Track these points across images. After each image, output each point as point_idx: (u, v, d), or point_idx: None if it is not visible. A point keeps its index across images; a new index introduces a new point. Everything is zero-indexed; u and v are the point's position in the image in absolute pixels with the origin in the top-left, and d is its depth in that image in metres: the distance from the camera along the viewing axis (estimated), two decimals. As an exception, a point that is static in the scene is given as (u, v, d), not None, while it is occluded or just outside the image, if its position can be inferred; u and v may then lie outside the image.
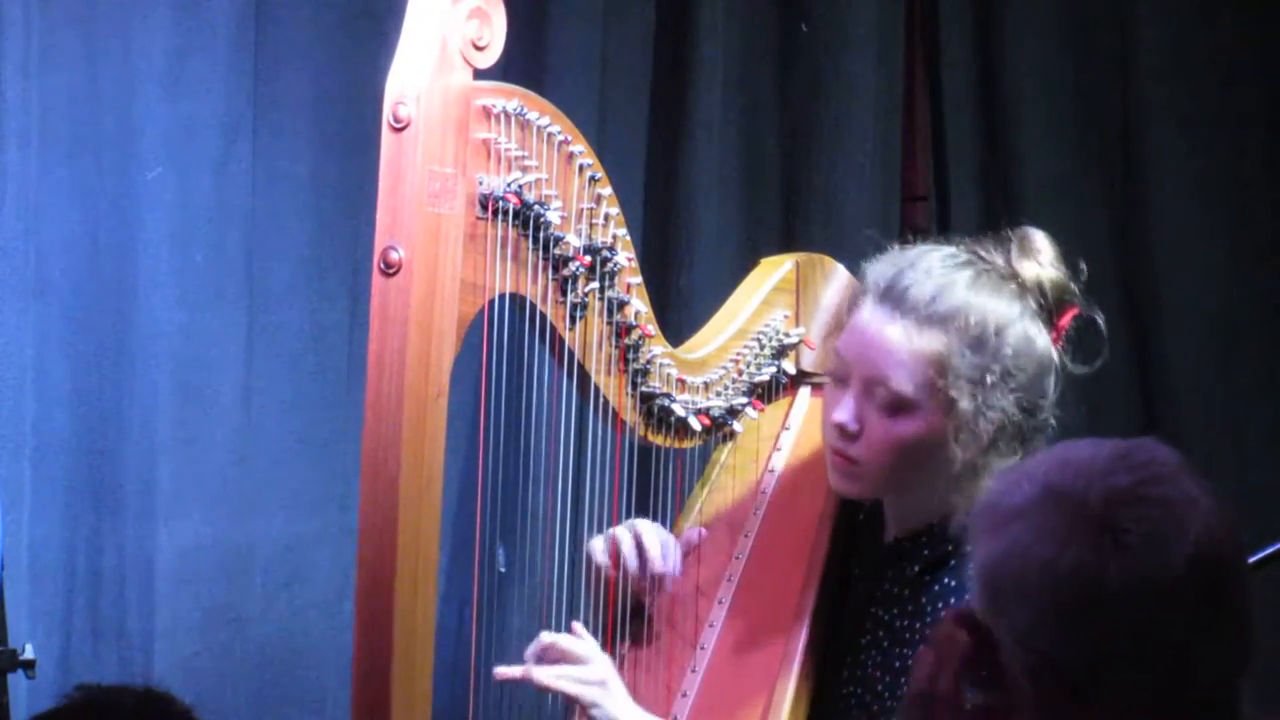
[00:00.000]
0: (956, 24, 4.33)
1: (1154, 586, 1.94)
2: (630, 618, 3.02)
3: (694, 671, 3.00)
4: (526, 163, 2.80)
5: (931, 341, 2.87)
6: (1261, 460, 4.42)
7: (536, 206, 2.81)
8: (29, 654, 3.22)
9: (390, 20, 2.81)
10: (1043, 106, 4.38)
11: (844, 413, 2.91)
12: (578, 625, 2.91)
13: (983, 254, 2.94)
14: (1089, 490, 1.97)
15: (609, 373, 2.94)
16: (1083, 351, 2.98)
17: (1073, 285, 2.96)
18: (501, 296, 2.80)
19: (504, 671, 2.87)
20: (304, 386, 3.80)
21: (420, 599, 2.70)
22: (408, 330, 2.69)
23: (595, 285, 2.89)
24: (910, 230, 4.10)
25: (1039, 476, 2.00)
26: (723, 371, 3.07)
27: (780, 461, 3.13)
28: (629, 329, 2.95)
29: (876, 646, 2.95)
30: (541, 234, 2.83)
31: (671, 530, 3.07)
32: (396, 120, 2.70)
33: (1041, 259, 2.94)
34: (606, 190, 2.89)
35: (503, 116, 2.79)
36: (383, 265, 2.70)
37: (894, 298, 2.88)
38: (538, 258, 2.84)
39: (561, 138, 2.84)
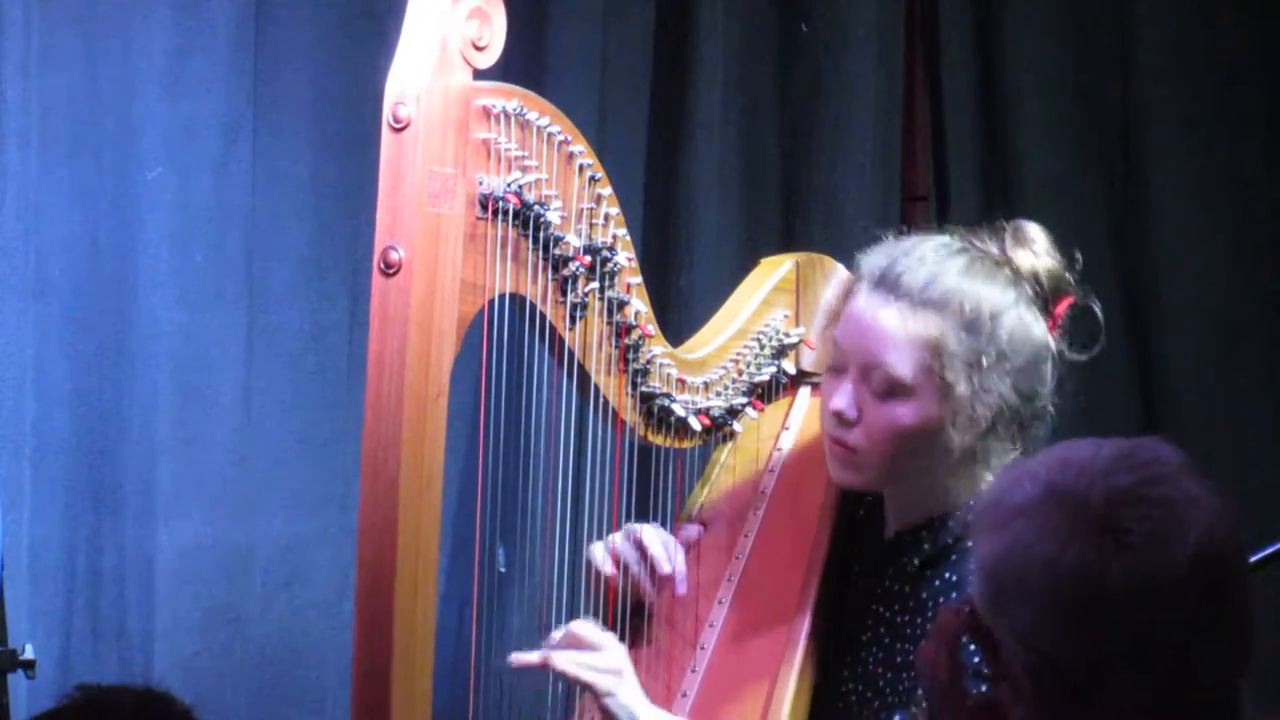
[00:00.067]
0: (956, 24, 4.33)
1: (1155, 586, 1.95)
2: (630, 617, 3.02)
3: (694, 671, 2.99)
4: (526, 163, 2.80)
5: (926, 324, 2.87)
6: (1261, 460, 4.42)
7: (536, 206, 2.81)
8: (29, 654, 3.22)
9: (390, 20, 2.81)
10: (1043, 106, 4.38)
11: (842, 399, 2.91)
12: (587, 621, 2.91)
13: (977, 243, 2.95)
14: (1091, 489, 1.97)
15: (609, 373, 2.94)
16: (1080, 339, 2.99)
17: (1068, 274, 2.97)
18: (501, 296, 2.80)
19: (520, 658, 2.86)
20: (304, 386, 3.80)
21: (420, 599, 2.70)
22: (408, 330, 2.69)
23: (595, 285, 2.89)
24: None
25: (1041, 475, 2.00)
26: (723, 371, 3.07)
27: (780, 461, 3.13)
28: (629, 329, 2.95)
29: (877, 643, 2.95)
30: (541, 234, 2.82)
31: (670, 531, 3.07)
32: (396, 120, 2.70)
33: (1035, 248, 2.95)
34: (606, 190, 2.89)
35: (503, 116, 2.78)
36: (383, 265, 2.70)
37: (888, 284, 2.89)
38: (538, 258, 2.84)
39: (561, 138, 2.84)
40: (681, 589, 3.02)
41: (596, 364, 2.92)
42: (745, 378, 3.09)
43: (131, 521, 3.67)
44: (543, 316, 2.86)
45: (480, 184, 2.77)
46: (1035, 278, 2.93)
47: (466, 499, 3.43)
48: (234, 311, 3.74)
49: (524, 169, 2.80)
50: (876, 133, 4.23)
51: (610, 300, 2.92)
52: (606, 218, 2.89)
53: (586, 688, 2.85)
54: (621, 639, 2.94)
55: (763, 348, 3.10)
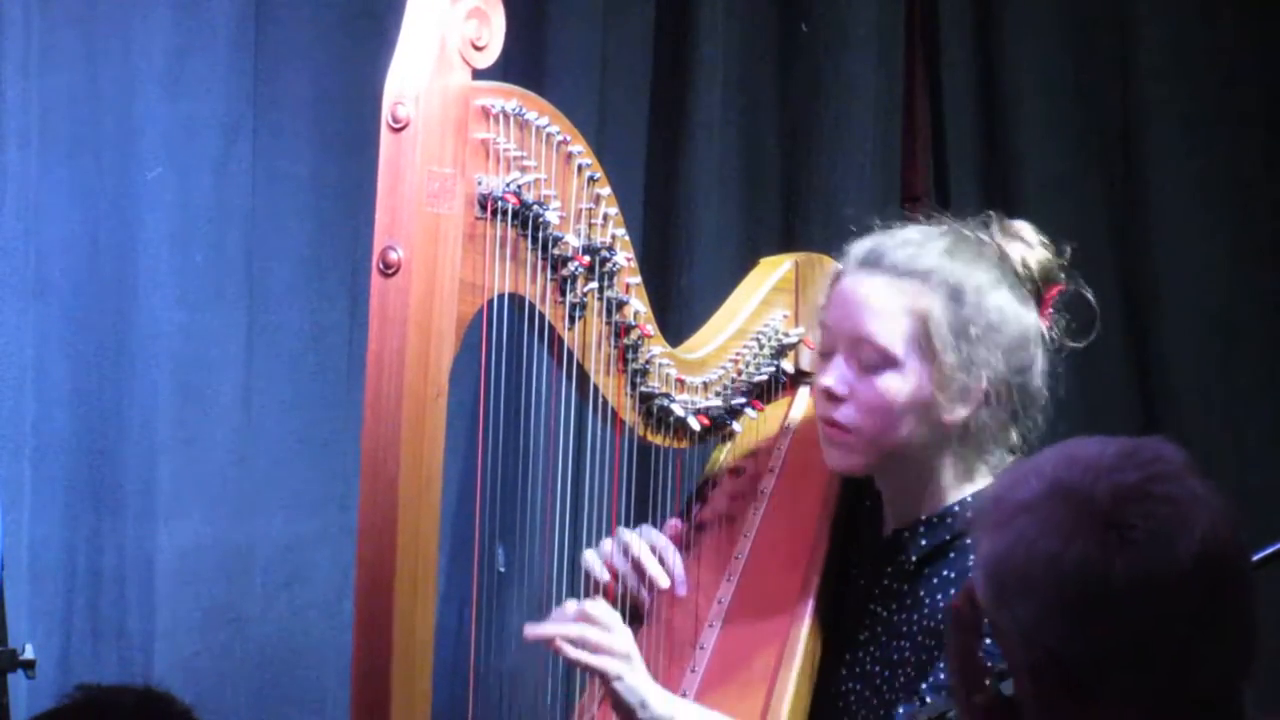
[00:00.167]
0: (956, 24, 4.33)
1: (1159, 583, 1.95)
2: (630, 617, 3.02)
3: (694, 671, 2.99)
4: (525, 163, 2.80)
5: (911, 294, 2.88)
6: (1261, 460, 4.42)
7: (535, 206, 2.81)
8: (29, 654, 3.21)
9: (390, 20, 2.81)
10: (1043, 106, 4.38)
11: (830, 376, 2.91)
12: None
13: (964, 230, 2.96)
14: (1095, 486, 1.97)
15: (608, 373, 2.94)
16: (1075, 329, 2.99)
17: (1057, 262, 2.98)
18: (500, 296, 2.80)
19: (533, 630, 2.86)
20: (304, 386, 3.80)
21: (420, 599, 2.70)
22: (407, 330, 2.69)
23: (594, 285, 2.89)
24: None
25: (1046, 472, 2.01)
26: (722, 371, 3.07)
27: (780, 461, 3.13)
28: (628, 329, 2.95)
29: (875, 642, 2.95)
30: (540, 234, 2.83)
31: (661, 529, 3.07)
32: (395, 120, 2.70)
33: (1024, 238, 2.97)
34: (605, 190, 2.89)
35: (502, 117, 2.79)
36: (382, 265, 2.70)
37: (872, 261, 2.91)
38: (537, 258, 2.84)
39: (560, 138, 2.84)
40: (681, 591, 3.02)
41: (596, 364, 2.92)
42: (745, 378, 3.09)
43: (131, 521, 3.67)
44: (542, 316, 2.86)
45: (479, 184, 2.77)
46: (1024, 265, 2.94)
47: (466, 499, 3.42)
48: (234, 311, 3.74)
49: (523, 169, 2.80)
50: (876, 133, 4.23)
51: (609, 300, 2.92)
52: (605, 218, 2.89)
53: (595, 673, 2.85)
54: (622, 637, 2.93)
55: (762, 348, 3.10)
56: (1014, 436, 2.94)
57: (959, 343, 2.87)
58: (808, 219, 4.18)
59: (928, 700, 2.81)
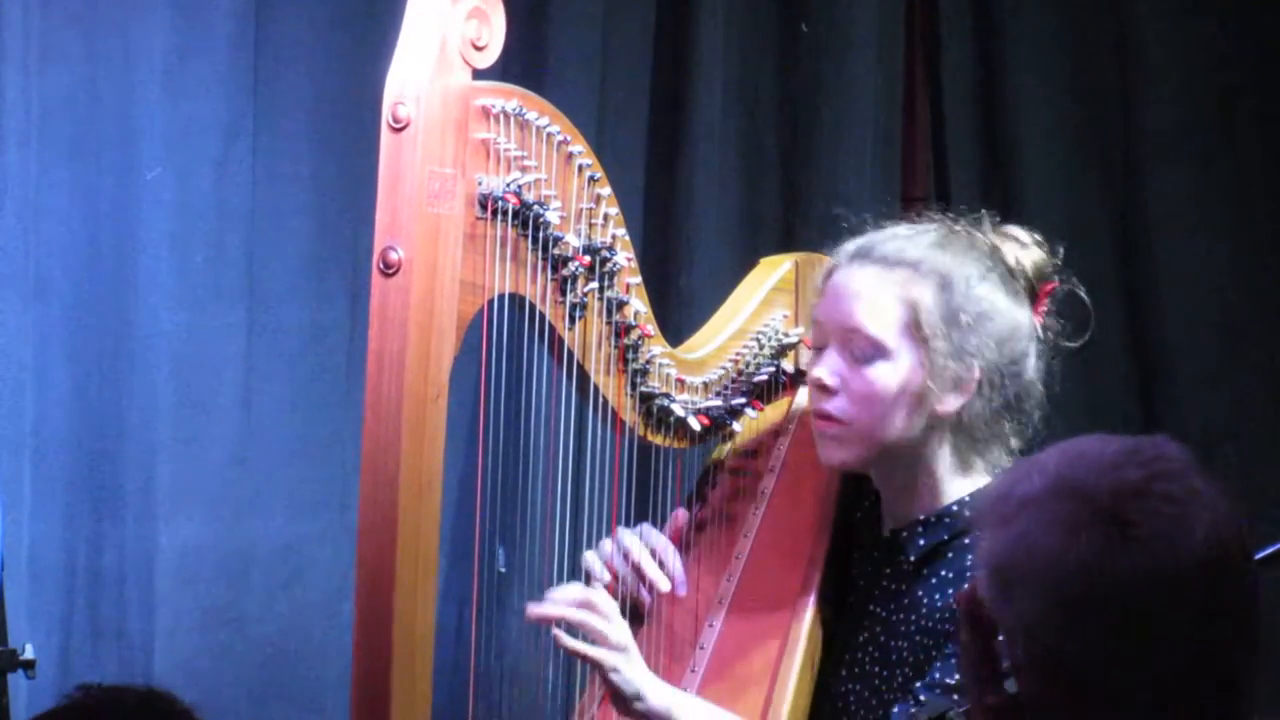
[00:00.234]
0: (956, 24, 4.33)
1: (1161, 581, 1.95)
2: (631, 617, 3.02)
3: (694, 671, 3.00)
4: (526, 163, 2.80)
5: (901, 282, 2.89)
6: (1262, 460, 4.42)
7: (536, 206, 2.81)
8: (29, 654, 3.21)
9: (390, 20, 2.81)
10: (1043, 106, 4.38)
11: (821, 369, 2.92)
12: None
13: (955, 226, 2.97)
14: (1100, 483, 1.97)
15: (608, 373, 2.94)
16: (1073, 322, 3.00)
17: (1051, 262, 2.98)
18: (501, 296, 2.80)
19: (536, 610, 2.85)
20: (304, 386, 3.80)
21: (420, 599, 2.70)
22: (407, 330, 2.69)
23: (594, 285, 2.89)
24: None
25: (1049, 469, 2.01)
26: (722, 371, 3.07)
27: (779, 461, 3.13)
28: (628, 329, 2.95)
29: (874, 643, 2.95)
30: (541, 234, 2.83)
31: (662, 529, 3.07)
32: (396, 120, 2.70)
33: (1018, 237, 2.98)
34: (606, 190, 2.90)
35: (502, 116, 2.79)
36: (382, 265, 2.70)
37: (862, 253, 2.93)
38: (537, 258, 2.84)
39: (561, 138, 2.84)
40: (681, 591, 3.02)
41: (596, 364, 2.92)
42: (745, 378, 3.09)
43: (131, 521, 3.66)
44: (542, 316, 2.86)
45: (480, 184, 2.77)
46: (1018, 264, 2.95)
47: (466, 499, 3.43)
48: (234, 311, 3.74)
49: (523, 169, 2.80)
50: (876, 133, 4.23)
51: (609, 300, 2.92)
52: (606, 218, 2.89)
53: (592, 663, 2.85)
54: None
55: (762, 348, 3.11)
56: (1009, 432, 2.94)
57: (950, 330, 2.87)
58: (808, 219, 4.17)
59: (922, 700, 2.81)
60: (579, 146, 2.87)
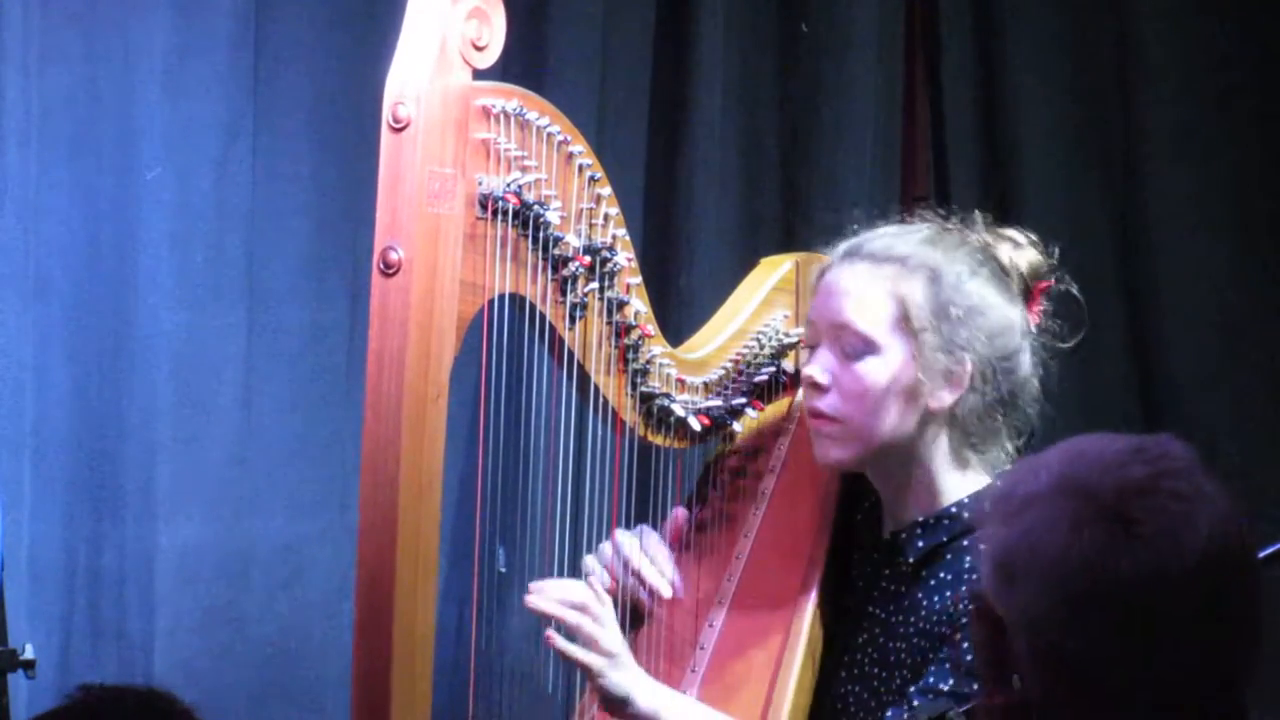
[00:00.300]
0: (956, 24, 4.33)
1: (1164, 578, 1.95)
2: (630, 617, 3.02)
3: (694, 671, 3.00)
4: (526, 163, 2.80)
5: (890, 277, 2.89)
6: (1262, 460, 4.42)
7: (536, 206, 2.81)
8: (29, 654, 3.21)
9: (390, 20, 2.81)
10: (1043, 107, 4.38)
11: (813, 366, 2.92)
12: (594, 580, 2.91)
13: (947, 225, 2.97)
14: (1104, 480, 1.98)
15: (609, 373, 2.94)
16: (1068, 322, 3.00)
17: (1047, 262, 2.98)
18: (501, 296, 2.80)
19: (535, 601, 2.85)
20: (304, 386, 3.80)
21: (420, 599, 2.70)
22: (407, 330, 2.69)
23: (595, 285, 2.89)
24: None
25: (1054, 466, 2.01)
26: (722, 371, 3.07)
27: (779, 462, 3.13)
28: (628, 329, 2.95)
29: (873, 644, 2.95)
30: (541, 234, 2.83)
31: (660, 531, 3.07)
32: (396, 120, 2.70)
33: (1014, 237, 2.99)
34: (606, 190, 2.89)
35: (502, 116, 2.78)
36: (382, 265, 2.70)
37: (852, 252, 2.94)
38: (537, 258, 2.84)
39: (561, 138, 2.84)
40: (680, 593, 3.02)
41: (596, 364, 2.92)
42: (745, 378, 3.09)
43: (131, 521, 3.66)
44: (542, 316, 2.86)
45: (480, 184, 2.77)
46: (1013, 264, 2.95)
47: (466, 499, 3.43)
48: (234, 311, 3.74)
49: (523, 169, 2.80)
50: (876, 133, 4.23)
51: (610, 300, 2.92)
52: (606, 218, 2.89)
53: (580, 667, 2.85)
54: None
55: (762, 348, 3.10)
56: (1005, 430, 2.94)
57: (939, 323, 2.88)
58: (808, 219, 4.17)
59: (914, 704, 2.81)
60: (579, 146, 2.87)
